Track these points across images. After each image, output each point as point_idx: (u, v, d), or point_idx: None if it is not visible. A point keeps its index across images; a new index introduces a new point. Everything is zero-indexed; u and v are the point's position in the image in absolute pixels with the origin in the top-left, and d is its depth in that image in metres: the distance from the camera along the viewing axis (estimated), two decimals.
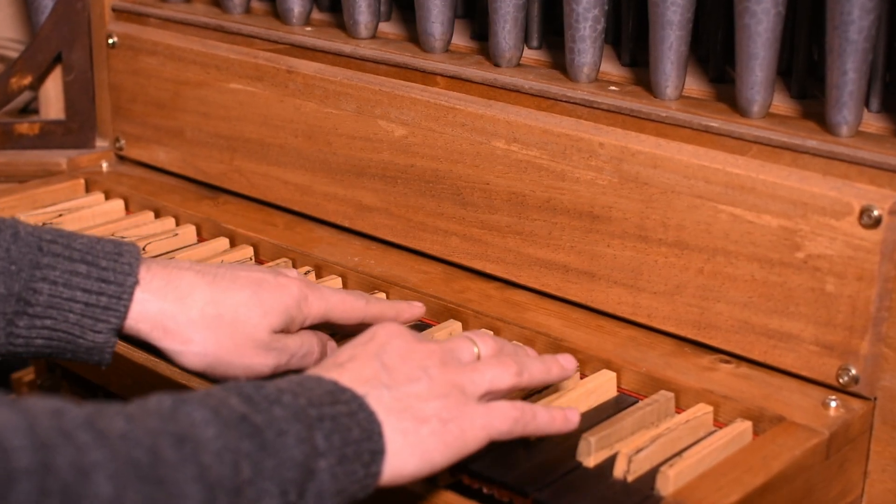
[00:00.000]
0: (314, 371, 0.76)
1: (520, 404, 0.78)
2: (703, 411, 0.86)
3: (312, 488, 0.68)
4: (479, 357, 0.81)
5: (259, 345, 0.86)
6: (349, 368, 0.75)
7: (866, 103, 0.95)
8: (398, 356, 0.76)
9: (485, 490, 0.80)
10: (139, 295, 0.84)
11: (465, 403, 0.75)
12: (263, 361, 0.86)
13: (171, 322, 0.84)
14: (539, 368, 0.82)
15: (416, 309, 0.97)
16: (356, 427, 0.71)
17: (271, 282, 0.87)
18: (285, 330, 0.88)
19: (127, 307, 0.83)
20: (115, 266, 0.83)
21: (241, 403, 0.67)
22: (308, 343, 0.89)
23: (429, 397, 0.74)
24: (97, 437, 0.60)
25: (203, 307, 0.85)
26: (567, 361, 0.85)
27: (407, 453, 0.73)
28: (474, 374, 0.78)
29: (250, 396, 0.68)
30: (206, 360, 0.85)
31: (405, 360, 0.76)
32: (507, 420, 0.76)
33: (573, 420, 0.80)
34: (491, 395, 0.79)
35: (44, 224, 1.19)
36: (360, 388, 0.73)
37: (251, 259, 1.14)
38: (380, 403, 0.73)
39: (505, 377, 0.79)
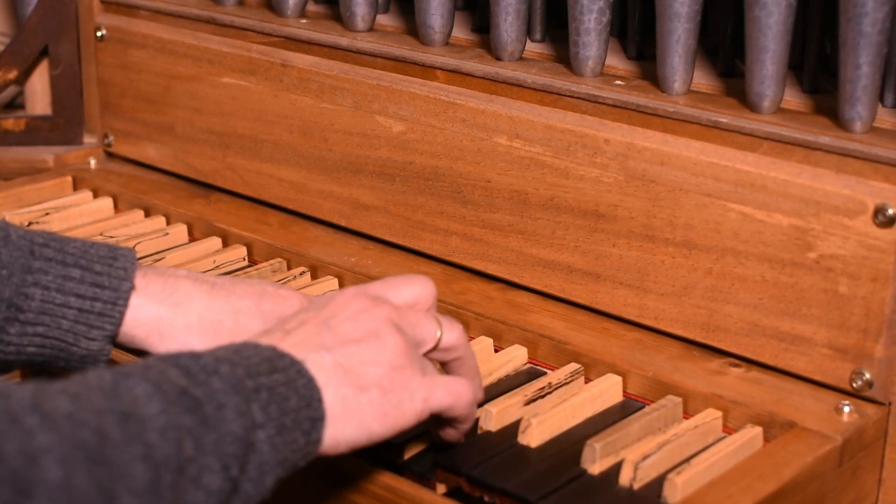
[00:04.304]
0: (258, 337, 0.75)
1: (463, 381, 0.78)
2: (711, 417, 0.86)
3: (254, 461, 0.68)
4: (440, 340, 0.80)
5: None
6: (294, 334, 0.75)
7: (881, 98, 0.95)
8: (349, 318, 0.75)
9: (486, 498, 0.80)
10: (135, 300, 0.83)
11: (410, 374, 0.75)
12: None
13: (168, 327, 0.83)
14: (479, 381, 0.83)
15: None
16: (294, 395, 0.70)
17: (272, 293, 0.86)
18: None
19: (122, 313, 0.82)
20: (111, 271, 0.82)
21: (181, 376, 0.67)
22: None
23: (372, 362, 0.74)
24: (44, 420, 0.59)
25: (201, 313, 0.84)
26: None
27: (345, 420, 0.72)
28: (426, 347, 0.78)
29: (189, 368, 0.67)
30: None
31: (355, 323, 0.75)
32: (450, 395, 0.77)
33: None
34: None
35: (30, 224, 1.17)
36: (299, 353, 0.73)
37: (244, 259, 1.14)
38: (320, 368, 0.73)
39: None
